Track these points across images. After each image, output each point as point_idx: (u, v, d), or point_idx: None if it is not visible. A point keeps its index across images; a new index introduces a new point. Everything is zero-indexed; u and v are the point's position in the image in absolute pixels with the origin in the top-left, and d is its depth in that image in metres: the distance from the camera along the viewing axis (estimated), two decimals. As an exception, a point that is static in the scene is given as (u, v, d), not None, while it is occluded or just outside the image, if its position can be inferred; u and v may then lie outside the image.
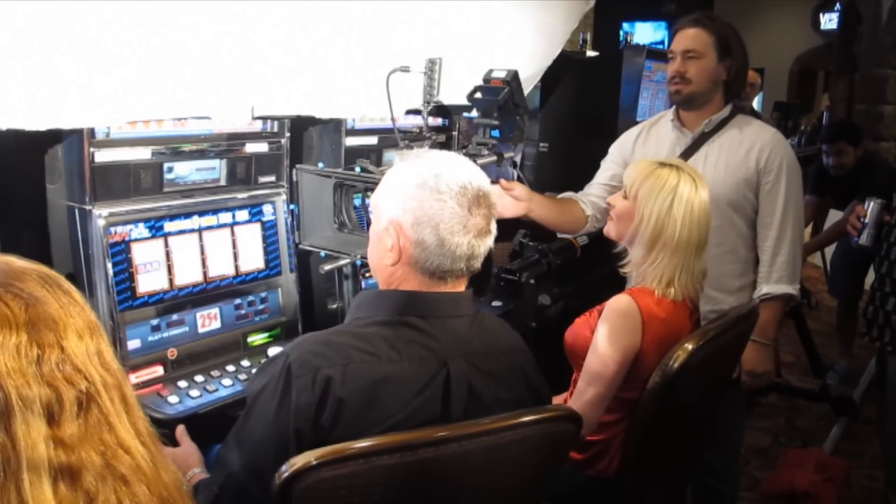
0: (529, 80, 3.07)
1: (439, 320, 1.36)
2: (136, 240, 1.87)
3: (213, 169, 2.04)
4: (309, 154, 2.39)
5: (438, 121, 2.24)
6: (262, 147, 2.13)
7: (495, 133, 2.10)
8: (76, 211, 1.81)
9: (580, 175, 2.54)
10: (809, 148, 6.19)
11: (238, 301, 2.08)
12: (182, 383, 1.88)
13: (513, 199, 2.26)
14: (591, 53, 4.06)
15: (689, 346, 1.68)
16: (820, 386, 4.02)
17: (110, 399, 0.88)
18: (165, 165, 1.92)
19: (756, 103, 5.43)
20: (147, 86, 1.77)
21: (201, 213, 2.00)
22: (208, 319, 2.00)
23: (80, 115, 1.70)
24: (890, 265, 2.22)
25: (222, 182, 2.06)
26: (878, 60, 6.92)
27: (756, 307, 1.97)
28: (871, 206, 2.27)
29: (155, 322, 1.90)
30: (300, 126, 2.32)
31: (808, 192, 4.10)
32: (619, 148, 2.55)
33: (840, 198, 4.24)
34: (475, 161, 1.94)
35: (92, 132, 1.76)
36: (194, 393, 1.85)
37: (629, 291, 1.84)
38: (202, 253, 2.00)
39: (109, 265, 1.80)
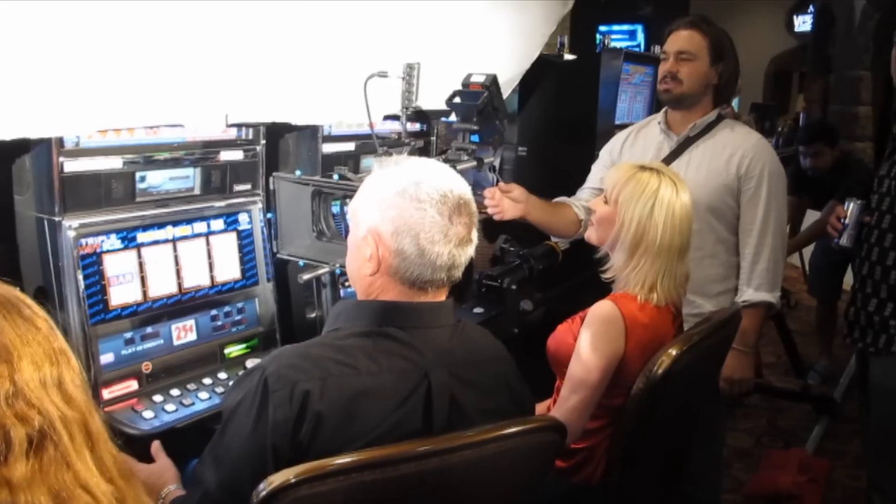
0: (508, 83, 3.05)
1: (420, 331, 1.33)
2: (108, 251, 1.82)
3: (187, 178, 1.99)
4: (285, 161, 2.35)
5: (416, 126, 2.21)
6: (237, 155, 2.09)
7: (475, 138, 2.08)
8: (45, 222, 1.76)
9: (560, 178, 2.53)
10: (787, 149, 6.23)
11: (214, 312, 2.03)
12: (157, 397, 1.84)
13: (512, 201, 2.27)
14: (568, 57, 4.06)
15: (674, 352, 1.66)
16: (801, 386, 4.04)
17: (69, 435, 0.83)
18: (138, 175, 1.87)
19: (734, 104, 5.47)
20: (118, 93, 1.72)
21: (175, 223, 1.96)
22: (184, 331, 1.96)
23: (49, 124, 1.65)
24: (871, 266, 2.21)
25: (196, 191, 2.02)
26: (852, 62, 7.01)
27: (738, 312, 1.96)
28: (850, 207, 2.27)
29: (129, 335, 1.85)
30: (276, 133, 2.28)
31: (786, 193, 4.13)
32: (609, 151, 2.56)
33: (818, 198, 4.27)
34: (455, 166, 1.93)
35: (61, 141, 1.72)
36: (170, 407, 1.81)
37: (612, 297, 1.82)
38: (177, 263, 1.96)
39: (80, 278, 1.75)
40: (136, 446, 1.57)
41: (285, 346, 1.36)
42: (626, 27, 7.98)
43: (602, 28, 7.83)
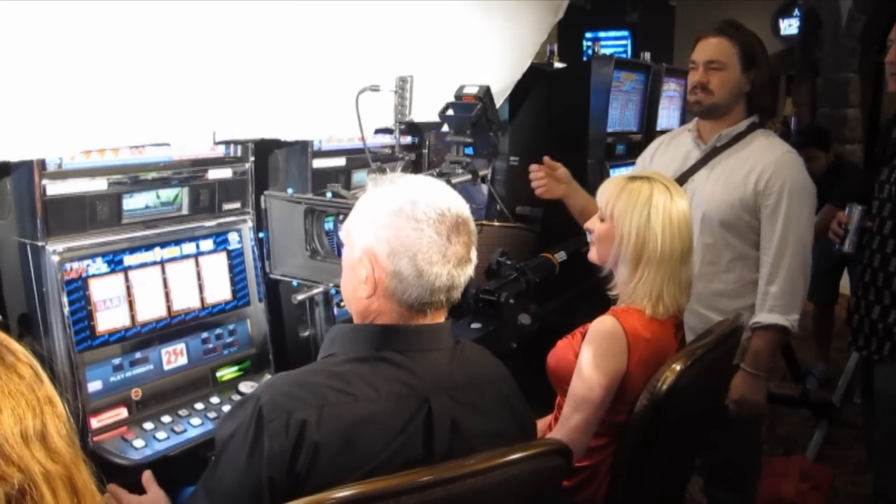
0: (500, 93, 3.03)
1: (419, 354, 1.29)
2: (94, 275, 1.77)
3: (175, 198, 1.95)
4: (275, 178, 2.31)
5: (408, 139, 2.17)
6: (225, 173, 2.05)
7: (469, 150, 2.04)
8: (28, 247, 1.71)
9: (552, 188, 2.49)
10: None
11: (205, 335, 1.98)
12: (148, 425, 1.79)
13: (555, 181, 2.28)
14: (558, 65, 4.04)
15: (678, 367, 1.63)
16: (800, 392, 4.00)
17: (52, 491, 0.78)
18: (123, 196, 1.83)
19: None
20: (101, 112, 1.68)
21: (163, 245, 1.91)
22: (174, 355, 1.91)
23: (30, 146, 1.61)
24: (873, 273, 2.19)
25: (185, 211, 1.98)
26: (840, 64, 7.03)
27: (740, 325, 1.91)
28: (852, 213, 2.24)
29: (117, 361, 1.80)
30: (265, 149, 2.24)
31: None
32: (642, 157, 2.54)
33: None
34: (450, 180, 1.89)
35: (43, 163, 1.67)
36: (161, 435, 1.77)
37: (613, 312, 1.78)
38: (165, 286, 1.91)
39: (66, 304, 1.70)
40: (127, 477, 1.53)
41: (279, 373, 1.31)
42: (613, 33, 7.98)
43: (588, 35, 7.84)
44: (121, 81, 1.69)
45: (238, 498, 1.18)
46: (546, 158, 2.34)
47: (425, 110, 2.04)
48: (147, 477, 1.52)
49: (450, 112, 2.02)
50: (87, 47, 1.62)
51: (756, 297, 2.21)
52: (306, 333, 2.26)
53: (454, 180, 1.91)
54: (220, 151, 2.04)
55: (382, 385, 1.25)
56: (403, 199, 1.27)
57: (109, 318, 1.79)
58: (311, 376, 1.25)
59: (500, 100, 3.10)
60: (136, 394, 1.81)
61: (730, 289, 2.24)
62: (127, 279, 1.83)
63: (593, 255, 1.90)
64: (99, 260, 1.78)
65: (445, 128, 2.10)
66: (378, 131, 2.21)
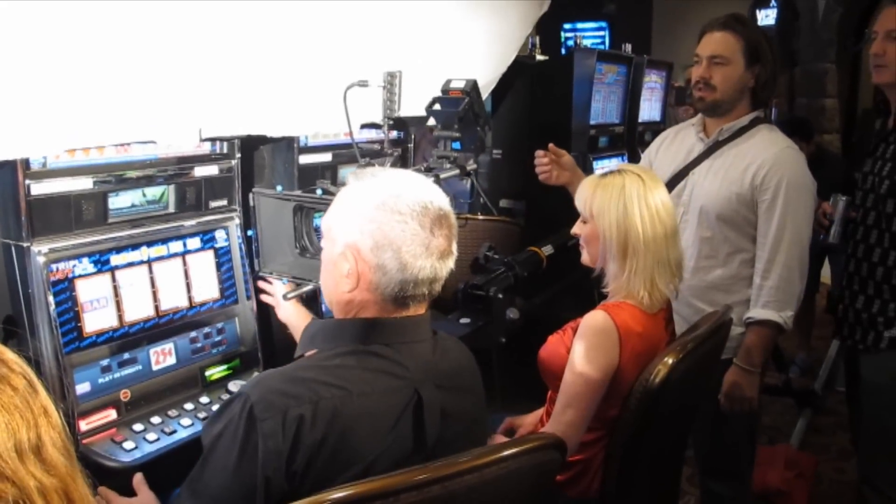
0: (485, 87, 3.02)
1: (405, 346, 1.31)
2: (81, 276, 1.74)
3: (161, 196, 1.92)
4: (261, 174, 2.29)
5: (394, 134, 2.16)
6: (211, 170, 2.03)
7: (456, 145, 2.03)
8: (13, 248, 1.68)
9: (535, 181, 2.49)
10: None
11: (193, 334, 1.96)
12: (137, 426, 1.76)
13: (559, 167, 2.31)
14: (540, 57, 4.03)
15: (670, 361, 1.64)
16: (783, 380, 4.04)
17: None
18: (109, 195, 1.80)
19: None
20: (85, 110, 1.65)
21: (150, 244, 1.89)
22: (163, 356, 1.88)
23: (13, 145, 1.57)
24: (857, 263, 2.20)
25: (171, 209, 1.95)
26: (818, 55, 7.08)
27: (728, 317, 1.92)
28: (837, 204, 2.26)
29: (105, 362, 1.77)
30: (251, 146, 2.21)
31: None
32: (647, 152, 2.56)
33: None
34: (438, 175, 1.88)
35: (26, 163, 1.64)
36: (151, 436, 1.74)
37: (604, 307, 1.78)
38: (153, 286, 1.88)
39: (52, 305, 1.67)
40: (118, 479, 1.51)
41: (267, 370, 1.30)
42: (590, 24, 7.97)
43: (567, 26, 7.83)
44: (105, 79, 1.66)
45: (228, 500, 1.17)
46: (551, 145, 2.35)
47: (411, 105, 2.03)
48: (138, 480, 1.50)
49: (437, 107, 2.01)
50: (71, 45, 1.59)
51: (748, 292, 2.22)
52: (294, 331, 2.24)
53: (442, 175, 1.90)
54: (206, 149, 2.01)
55: (374, 378, 1.25)
56: (387, 193, 1.27)
57: (97, 319, 1.76)
58: (303, 372, 1.24)
59: (484, 94, 3.09)
60: (124, 395, 1.79)
61: (726, 283, 2.24)
62: (114, 279, 1.81)
63: (585, 258, 1.89)
64: (85, 260, 1.75)
65: (432, 121, 2.09)
66: (364, 126, 2.19)
